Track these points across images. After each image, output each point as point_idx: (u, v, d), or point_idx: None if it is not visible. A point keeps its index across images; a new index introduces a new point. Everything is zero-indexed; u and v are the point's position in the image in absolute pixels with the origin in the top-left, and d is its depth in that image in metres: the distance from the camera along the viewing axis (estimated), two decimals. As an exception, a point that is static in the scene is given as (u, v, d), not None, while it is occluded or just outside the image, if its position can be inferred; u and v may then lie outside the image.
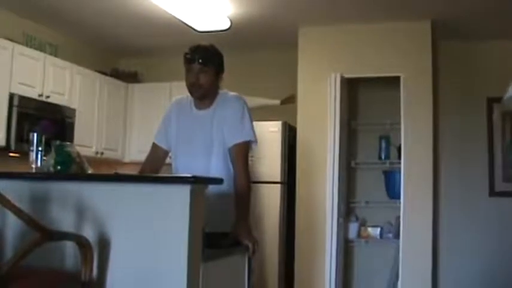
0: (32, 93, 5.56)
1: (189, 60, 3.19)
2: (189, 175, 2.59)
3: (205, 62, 3.17)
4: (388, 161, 6.34)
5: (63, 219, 2.64)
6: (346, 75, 6.08)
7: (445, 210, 6.31)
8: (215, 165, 3.17)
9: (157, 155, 3.44)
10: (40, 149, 3.05)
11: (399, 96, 5.85)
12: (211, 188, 2.74)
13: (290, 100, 6.57)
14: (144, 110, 7.03)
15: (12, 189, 2.43)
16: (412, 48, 5.91)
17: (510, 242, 6.02)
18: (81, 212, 2.63)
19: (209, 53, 3.23)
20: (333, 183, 5.86)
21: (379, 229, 6.29)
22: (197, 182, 2.56)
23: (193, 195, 2.50)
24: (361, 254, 6.52)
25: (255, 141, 3.25)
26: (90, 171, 3.07)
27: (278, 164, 6.16)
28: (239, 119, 3.21)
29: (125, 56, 7.56)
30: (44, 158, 3.02)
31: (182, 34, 5.86)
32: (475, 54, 6.39)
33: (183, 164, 3.26)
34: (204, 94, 3.23)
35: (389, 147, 6.38)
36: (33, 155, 3.04)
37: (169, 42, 6.59)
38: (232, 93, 3.34)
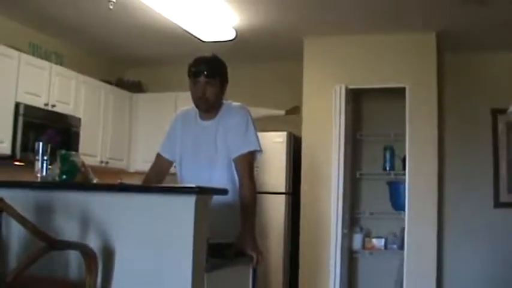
0: (38, 103, 5.57)
1: (194, 74, 3.19)
2: (193, 185, 2.59)
3: (211, 74, 3.17)
4: (392, 172, 6.33)
5: (68, 229, 2.64)
6: (351, 86, 6.09)
7: (450, 221, 6.29)
8: (219, 176, 3.16)
9: (162, 166, 3.44)
10: (45, 158, 3.04)
11: (404, 107, 5.85)
12: (216, 199, 2.73)
13: (295, 111, 6.59)
14: (149, 120, 7.04)
15: (17, 198, 2.43)
16: (417, 59, 5.92)
17: (515, 253, 6.01)
18: (85, 221, 2.63)
19: (214, 65, 3.23)
20: (337, 194, 5.85)
21: (383, 240, 6.27)
22: (202, 193, 2.56)
23: (198, 205, 2.50)
24: (365, 265, 6.50)
25: (260, 150, 3.25)
26: (95, 181, 3.07)
27: (283, 175, 6.16)
28: (243, 129, 3.21)
29: (130, 65, 7.58)
30: (49, 167, 3.02)
31: (187, 44, 5.88)
32: (479, 65, 6.39)
33: (188, 175, 3.27)
34: (210, 106, 3.23)
35: (394, 158, 6.37)
36: (38, 164, 3.03)
37: (174, 52, 6.61)
38: (236, 103, 3.35)
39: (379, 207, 6.38)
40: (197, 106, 3.27)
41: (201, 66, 3.18)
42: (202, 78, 3.16)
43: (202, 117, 3.30)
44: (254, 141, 3.21)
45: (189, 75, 3.22)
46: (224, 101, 3.32)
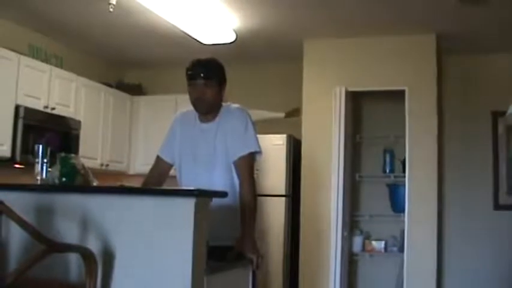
0: (38, 105, 5.57)
1: (191, 76, 3.19)
2: (193, 188, 2.59)
3: (208, 76, 3.17)
4: (392, 175, 6.33)
5: (68, 231, 2.64)
6: (351, 89, 6.09)
7: (450, 223, 6.29)
8: (218, 178, 3.16)
9: (161, 168, 3.44)
10: (45, 160, 3.05)
11: (404, 110, 5.85)
12: (216, 201, 2.73)
13: (295, 113, 6.58)
14: (149, 123, 7.03)
15: (17, 201, 2.44)
16: (417, 61, 5.91)
17: (515, 255, 6.01)
18: (85, 224, 2.63)
19: (211, 66, 3.23)
20: (337, 197, 5.85)
21: (383, 243, 6.27)
22: (201, 195, 2.56)
23: (197, 208, 2.50)
24: (365, 267, 6.49)
25: (260, 152, 3.24)
26: (95, 183, 3.07)
27: (283, 177, 6.16)
28: (243, 131, 3.21)
29: (130, 68, 7.58)
30: (49, 169, 3.02)
31: (187, 46, 5.88)
32: (479, 67, 6.39)
33: (187, 177, 3.27)
34: (209, 108, 3.24)
35: (394, 160, 6.37)
36: (38, 167, 3.04)
37: (174, 55, 6.61)
38: (235, 105, 3.35)
39: (379, 210, 6.38)
40: (196, 109, 3.27)
41: (198, 68, 3.19)
42: (199, 81, 3.17)
43: (201, 120, 3.30)
44: (253, 142, 3.21)
45: (186, 78, 3.22)
46: (223, 104, 3.32)
